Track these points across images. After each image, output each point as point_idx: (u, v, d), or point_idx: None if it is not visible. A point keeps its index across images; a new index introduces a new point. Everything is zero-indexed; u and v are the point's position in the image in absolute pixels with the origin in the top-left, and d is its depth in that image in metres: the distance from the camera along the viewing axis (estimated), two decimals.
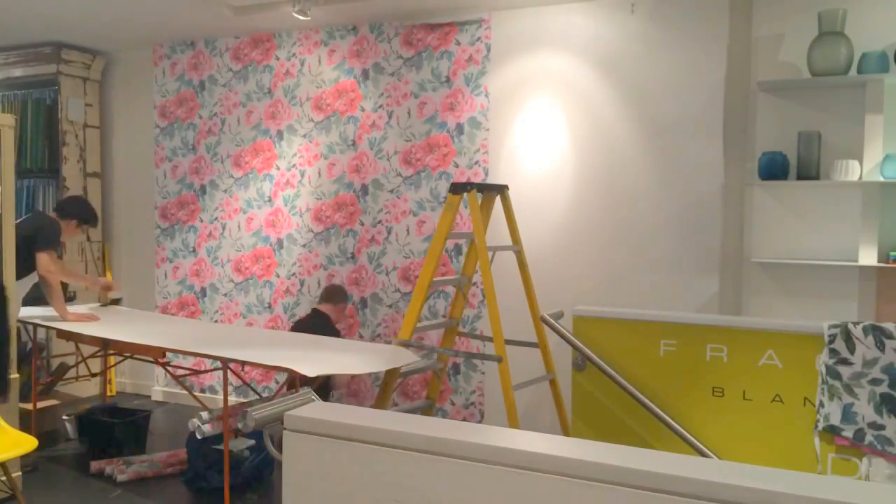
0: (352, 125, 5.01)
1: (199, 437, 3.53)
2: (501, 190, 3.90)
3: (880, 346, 2.49)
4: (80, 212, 4.36)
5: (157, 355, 3.82)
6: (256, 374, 5.29)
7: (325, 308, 4.65)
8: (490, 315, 3.57)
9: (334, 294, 4.72)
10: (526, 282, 3.92)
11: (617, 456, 1.26)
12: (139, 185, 5.85)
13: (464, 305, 4.20)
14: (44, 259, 4.05)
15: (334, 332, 4.54)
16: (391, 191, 4.89)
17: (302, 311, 5.19)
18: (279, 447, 1.54)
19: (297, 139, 5.20)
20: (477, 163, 4.65)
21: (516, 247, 3.92)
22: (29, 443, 3.12)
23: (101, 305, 4.98)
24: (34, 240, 4.03)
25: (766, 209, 4.07)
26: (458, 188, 3.70)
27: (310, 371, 3.14)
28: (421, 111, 4.79)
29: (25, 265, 4.01)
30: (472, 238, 3.83)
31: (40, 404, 4.58)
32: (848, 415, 2.54)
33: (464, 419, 4.73)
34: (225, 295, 5.48)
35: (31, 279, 4.16)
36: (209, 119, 5.50)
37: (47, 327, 4.37)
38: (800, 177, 3.89)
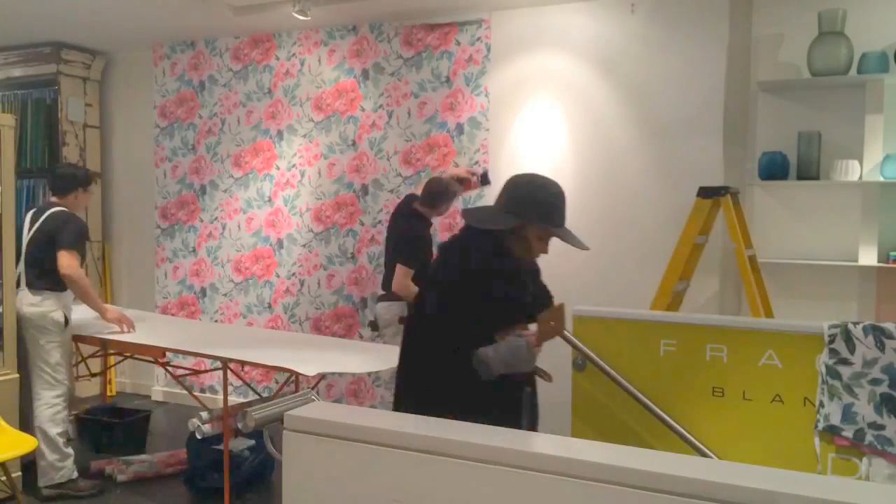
0: (352, 125, 5.00)
1: (199, 437, 3.52)
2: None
3: (880, 346, 2.49)
4: (76, 180, 3.98)
5: (157, 355, 3.83)
6: (256, 374, 5.29)
7: (422, 209, 4.03)
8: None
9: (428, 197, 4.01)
10: (759, 285, 3.71)
11: (617, 456, 1.26)
12: (139, 185, 5.84)
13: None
14: (63, 258, 3.73)
15: (421, 237, 3.98)
16: (391, 191, 4.89)
17: (301, 312, 5.19)
18: (279, 447, 1.54)
19: (297, 139, 5.20)
20: (477, 163, 4.64)
21: (750, 250, 3.76)
22: (29, 443, 3.13)
23: None
24: (54, 239, 3.76)
25: (766, 209, 4.06)
26: (709, 192, 3.62)
27: (310, 371, 3.14)
28: (421, 111, 4.79)
29: (53, 268, 3.73)
30: (705, 241, 3.78)
31: None
32: (848, 415, 2.54)
33: None
34: (225, 295, 5.48)
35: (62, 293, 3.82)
36: (209, 119, 5.50)
37: None
38: (800, 177, 3.89)
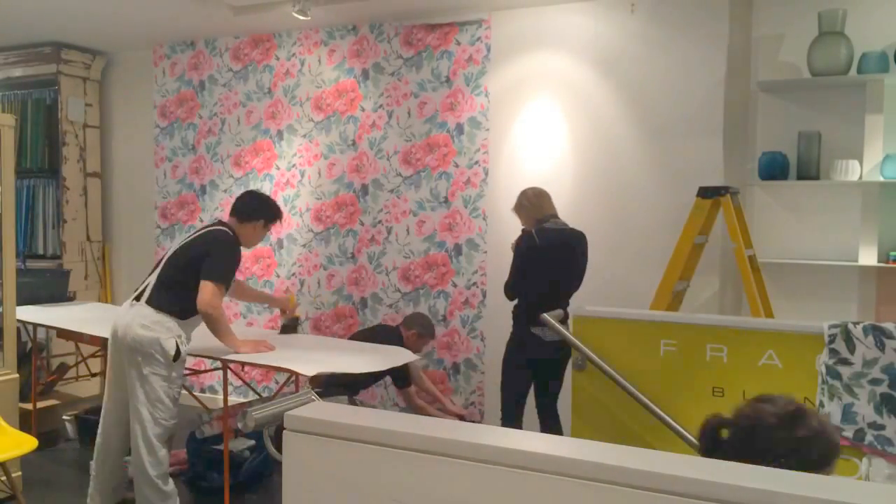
0: (352, 125, 5.00)
1: (199, 437, 3.54)
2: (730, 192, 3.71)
3: (880, 346, 2.49)
4: (266, 210, 3.56)
5: None
6: (256, 374, 5.29)
7: (405, 333, 4.33)
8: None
9: (418, 323, 4.39)
10: (759, 285, 3.69)
11: (617, 456, 1.26)
12: (139, 185, 5.84)
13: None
14: (207, 292, 3.18)
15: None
16: (391, 191, 4.89)
17: (301, 312, 5.19)
18: (279, 447, 1.54)
19: (297, 139, 5.19)
20: (477, 163, 4.64)
21: (750, 250, 3.73)
22: (29, 443, 3.12)
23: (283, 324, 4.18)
24: (201, 261, 3.23)
25: (766, 209, 4.07)
26: (709, 192, 3.60)
27: (309, 371, 3.14)
28: (421, 111, 4.79)
29: (191, 294, 3.19)
30: (705, 241, 3.78)
31: (40, 404, 4.58)
32: (848, 415, 2.54)
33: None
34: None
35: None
36: (209, 119, 5.50)
37: (47, 327, 4.37)
38: (800, 177, 3.89)
